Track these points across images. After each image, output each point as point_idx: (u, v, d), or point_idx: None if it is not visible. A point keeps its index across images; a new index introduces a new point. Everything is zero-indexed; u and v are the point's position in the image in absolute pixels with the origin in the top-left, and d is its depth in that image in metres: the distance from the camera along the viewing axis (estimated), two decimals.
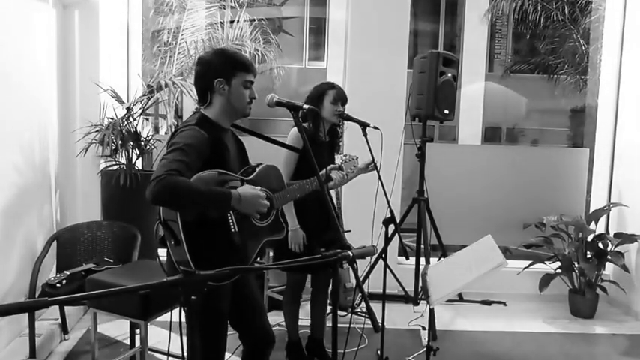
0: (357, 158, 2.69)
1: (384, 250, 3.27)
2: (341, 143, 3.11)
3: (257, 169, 2.06)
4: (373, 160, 2.76)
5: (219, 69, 1.98)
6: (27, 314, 2.93)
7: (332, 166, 2.56)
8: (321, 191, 1.84)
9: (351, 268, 1.63)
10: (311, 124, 2.82)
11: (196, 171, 1.83)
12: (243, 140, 2.19)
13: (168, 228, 1.86)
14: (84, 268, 3.04)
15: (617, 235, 4.13)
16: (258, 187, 1.95)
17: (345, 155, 2.66)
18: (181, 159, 1.79)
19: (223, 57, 2.03)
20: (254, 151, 2.20)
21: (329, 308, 3.19)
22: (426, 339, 2.81)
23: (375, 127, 2.79)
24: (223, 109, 2.00)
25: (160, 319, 2.69)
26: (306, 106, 2.00)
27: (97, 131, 3.69)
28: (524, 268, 4.25)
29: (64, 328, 3.34)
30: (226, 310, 2.04)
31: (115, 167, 3.76)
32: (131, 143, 3.77)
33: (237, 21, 7.50)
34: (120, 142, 3.66)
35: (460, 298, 4.30)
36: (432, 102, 3.77)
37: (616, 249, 4.05)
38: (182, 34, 7.09)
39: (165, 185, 1.72)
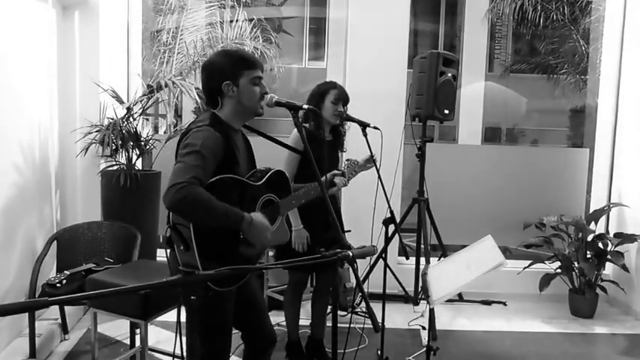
0: (357, 162, 2.69)
1: (384, 250, 3.27)
2: (345, 141, 3.09)
3: (267, 175, 2.02)
4: (372, 155, 2.73)
5: (224, 71, 1.93)
6: (27, 314, 2.93)
7: (335, 172, 2.55)
8: (323, 196, 1.84)
9: (351, 268, 1.63)
10: (312, 123, 2.82)
11: (210, 174, 1.81)
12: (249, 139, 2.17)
13: (178, 232, 1.83)
14: (84, 268, 3.04)
15: (617, 235, 4.13)
16: (266, 222, 1.90)
17: (347, 160, 2.66)
18: (199, 164, 1.76)
19: (226, 58, 1.98)
20: (256, 149, 2.19)
21: (329, 308, 3.19)
22: (426, 339, 2.81)
23: (375, 127, 2.79)
24: (235, 110, 1.97)
25: (160, 319, 2.69)
26: (305, 106, 1.98)
27: (97, 131, 3.69)
28: (524, 268, 4.25)
29: (64, 328, 3.34)
30: (231, 313, 2.03)
31: (115, 167, 3.76)
32: (131, 143, 3.77)
33: (237, 20, 7.49)
34: (120, 142, 3.65)
35: (460, 298, 4.30)
36: (432, 102, 3.77)
37: (616, 249, 4.05)
38: (181, 34, 7.08)
39: (187, 195, 1.68)
